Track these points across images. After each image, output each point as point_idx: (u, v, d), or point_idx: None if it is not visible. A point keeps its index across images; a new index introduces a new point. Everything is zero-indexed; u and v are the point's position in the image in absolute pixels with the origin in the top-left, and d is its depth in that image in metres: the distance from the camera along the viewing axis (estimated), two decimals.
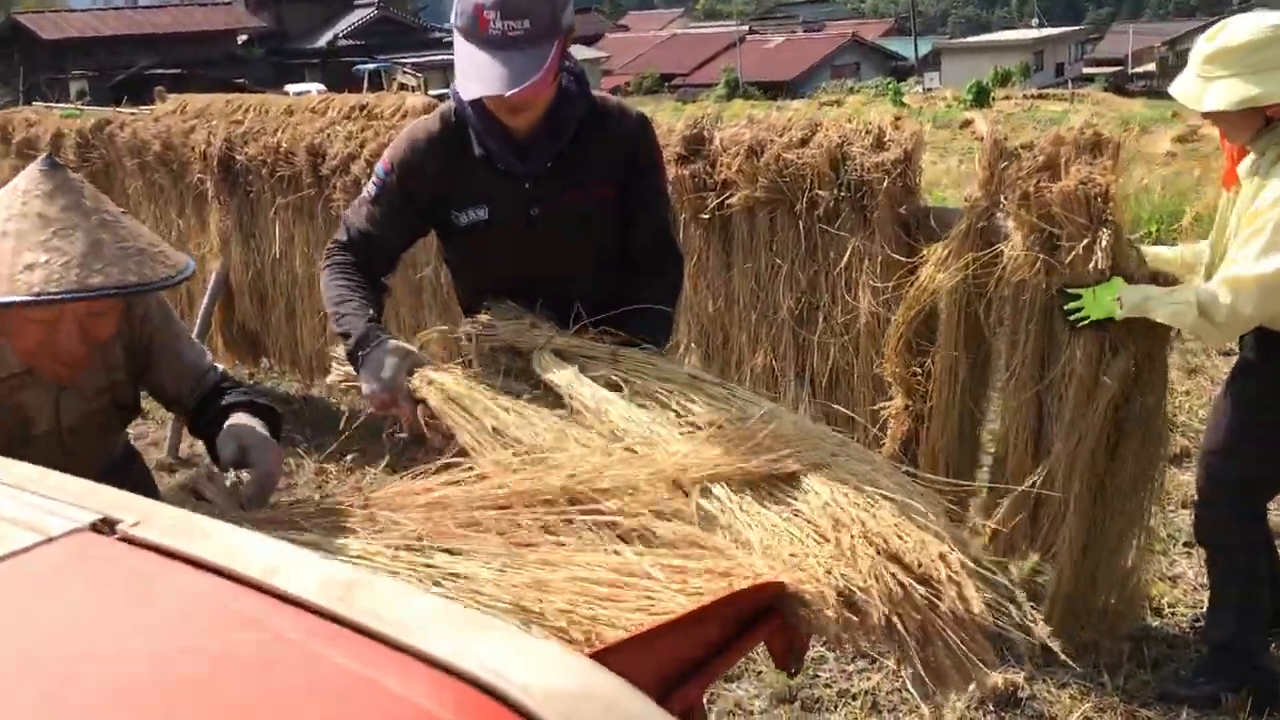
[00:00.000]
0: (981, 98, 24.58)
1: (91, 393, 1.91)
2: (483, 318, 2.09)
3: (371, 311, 2.10)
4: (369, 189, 2.23)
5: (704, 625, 1.25)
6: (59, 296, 1.59)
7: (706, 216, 3.45)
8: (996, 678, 2.92)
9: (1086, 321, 2.69)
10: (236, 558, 0.84)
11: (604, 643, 1.19)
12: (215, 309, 5.23)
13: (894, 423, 3.21)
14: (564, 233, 2.21)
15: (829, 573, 1.41)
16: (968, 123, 18.74)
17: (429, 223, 2.27)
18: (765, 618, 1.40)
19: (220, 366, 2.11)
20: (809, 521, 1.53)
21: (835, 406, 3.31)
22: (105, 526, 0.92)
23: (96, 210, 1.70)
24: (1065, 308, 2.72)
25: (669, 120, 3.93)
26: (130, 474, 2.07)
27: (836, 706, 2.97)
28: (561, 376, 1.88)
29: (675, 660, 1.20)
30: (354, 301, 2.11)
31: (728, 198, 3.38)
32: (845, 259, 3.21)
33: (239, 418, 1.89)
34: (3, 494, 0.98)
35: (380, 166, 2.23)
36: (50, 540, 0.89)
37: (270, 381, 5.91)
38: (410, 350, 2.02)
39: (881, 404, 3.25)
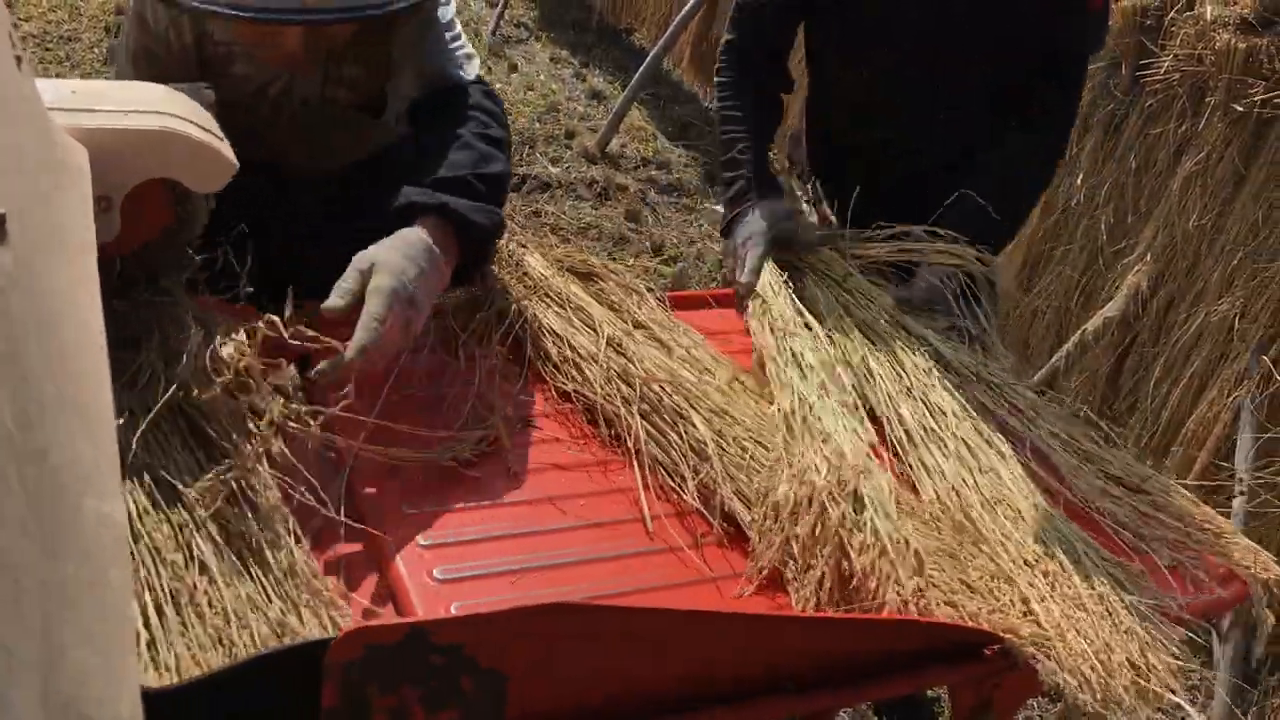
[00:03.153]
0: None
1: (325, 84, 1.55)
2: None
3: (751, 154, 1.77)
4: None
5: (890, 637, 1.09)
6: (267, 16, 1.26)
7: (1239, 109, 2.63)
8: None
9: None
10: None
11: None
12: (694, 18, 4.99)
13: None
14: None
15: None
16: None
17: None
18: (961, 661, 1.12)
19: (476, 78, 1.59)
20: None
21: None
22: None
23: None
24: None
25: None
26: (380, 179, 1.56)
27: None
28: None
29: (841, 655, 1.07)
30: (740, 132, 1.80)
31: None
32: None
33: (415, 232, 1.32)
34: None
35: None
36: None
37: None
38: (783, 219, 1.66)
39: None
